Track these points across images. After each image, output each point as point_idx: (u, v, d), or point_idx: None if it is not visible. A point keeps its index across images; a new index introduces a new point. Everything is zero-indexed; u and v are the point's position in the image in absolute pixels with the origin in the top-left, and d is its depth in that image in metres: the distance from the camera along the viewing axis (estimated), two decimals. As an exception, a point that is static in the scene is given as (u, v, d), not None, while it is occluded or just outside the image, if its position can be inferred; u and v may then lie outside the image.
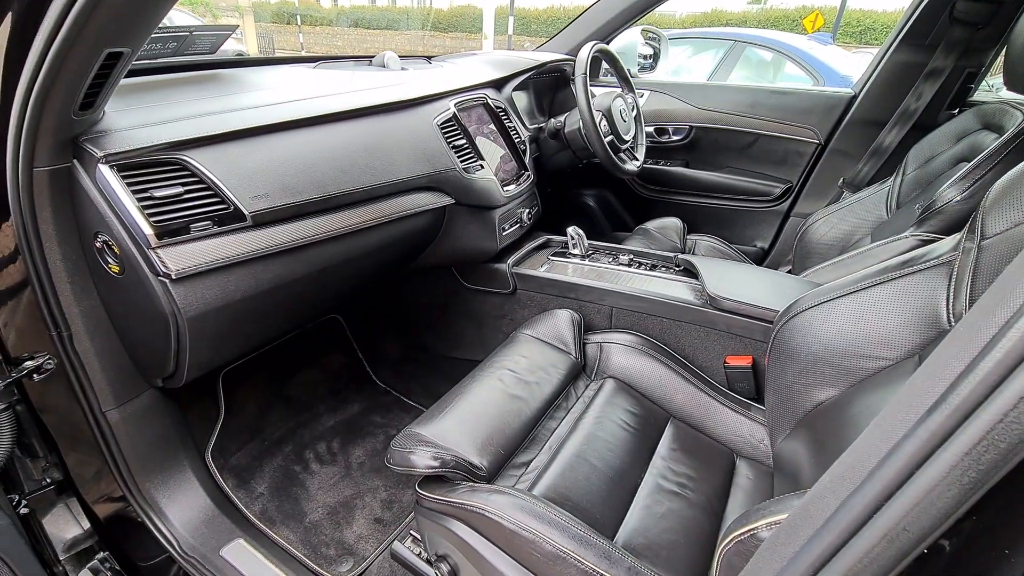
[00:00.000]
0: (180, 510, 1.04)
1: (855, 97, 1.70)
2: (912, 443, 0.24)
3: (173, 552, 1.00)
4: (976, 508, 0.23)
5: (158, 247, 0.75)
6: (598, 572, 0.67)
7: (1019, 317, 0.22)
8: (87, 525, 1.05)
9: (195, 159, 0.79)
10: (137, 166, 0.75)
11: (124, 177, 0.73)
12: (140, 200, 0.74)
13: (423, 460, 0.79)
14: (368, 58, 1.46)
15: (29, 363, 0.84)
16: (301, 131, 0.95)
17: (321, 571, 1.06)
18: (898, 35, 1.58)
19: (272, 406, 1.41)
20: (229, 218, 0.82)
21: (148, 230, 0.73)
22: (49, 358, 0.86)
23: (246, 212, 0.83)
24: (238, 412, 1.34)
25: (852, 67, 4.04)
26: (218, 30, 1.06)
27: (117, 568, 1.07)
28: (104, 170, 0.72)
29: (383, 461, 1.34)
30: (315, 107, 0.99)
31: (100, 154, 0.72)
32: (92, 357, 0.87)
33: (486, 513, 0.72)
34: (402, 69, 1.43)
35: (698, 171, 2.01)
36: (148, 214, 0.74)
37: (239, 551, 1.02)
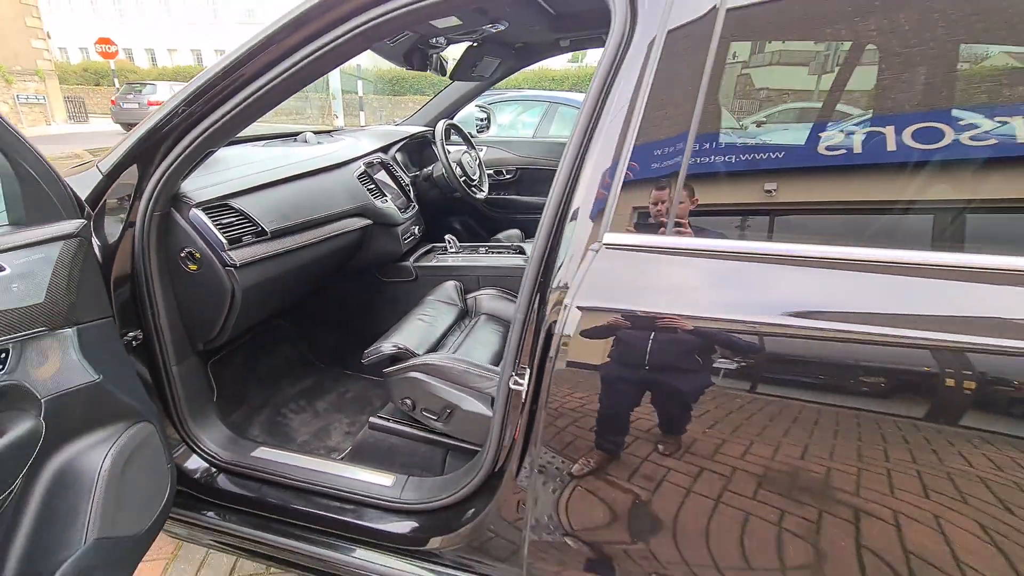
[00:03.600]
0: (213, 436, 1.56)
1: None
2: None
3: (216, 461, 1.51)
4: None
5: (228, 250, 1.36)
6: (485, 372, 1.42)
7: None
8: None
9: (237, 203, 1.43)
10: (210, 207, 1.37)
11: (207, 213, 1.34)
12: (216, 225, 1.35)
13: (388, 348, 1.48)
14: (294, 135, 2.12)
15: (130, 334, 1.36)
16: (286, 184, 1.62)
17: (325, 457, 1.64)
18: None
19: (249, 383, 1.94)
20: (259, 234, 1.45)
21: (224, 240, 1.35)
22: (139, 332, 1.38)
23: (268, 230, 1.47)
24: (226, 388, 1.85)
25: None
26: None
27: (169, 488, 1.54)
28: (196, 211, 1.33)
29: (342, 404, 1.95)
30: (290, 170, 1.66)
31: (194, 202, 1.33)
32: (166, 330, 1.41)
33: (430, 361, 1.44)
34: (318, 143, 2.11)
35: (526, 197, 2.97)
36: (222, 232, 1.35)
37: (265, 451, 1.57)
